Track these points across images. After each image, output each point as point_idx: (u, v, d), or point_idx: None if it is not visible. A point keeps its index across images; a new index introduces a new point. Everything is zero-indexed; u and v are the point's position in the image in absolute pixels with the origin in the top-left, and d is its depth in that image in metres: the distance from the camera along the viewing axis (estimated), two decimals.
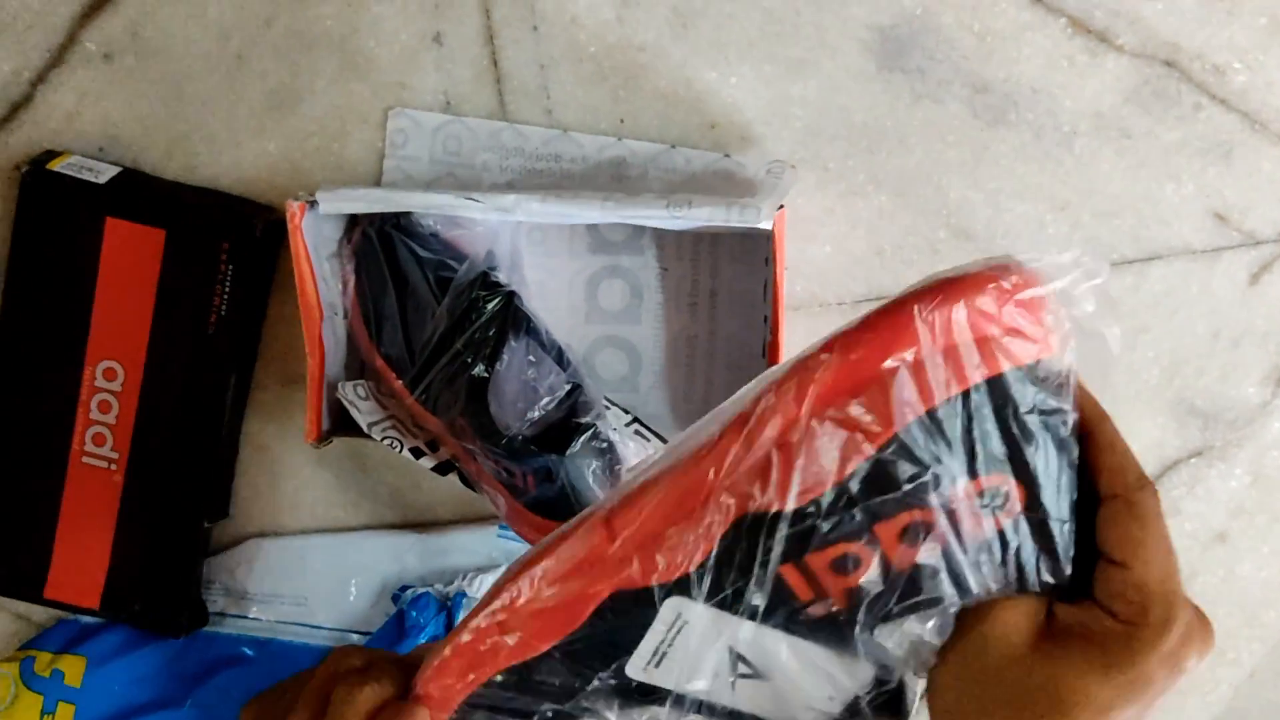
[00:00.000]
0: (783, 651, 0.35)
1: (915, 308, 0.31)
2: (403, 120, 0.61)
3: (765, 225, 0.53)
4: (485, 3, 0.60)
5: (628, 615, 0.35)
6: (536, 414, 0.54)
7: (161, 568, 0.64)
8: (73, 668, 0.66)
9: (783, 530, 0.33)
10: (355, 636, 0.66)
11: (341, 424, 0.60)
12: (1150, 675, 0.31)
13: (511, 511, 0.55)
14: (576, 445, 0.52)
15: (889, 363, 0.31)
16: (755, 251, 0.61)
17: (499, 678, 0.36)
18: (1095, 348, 0.33)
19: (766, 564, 0.33)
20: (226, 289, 0.61)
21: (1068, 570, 0.33)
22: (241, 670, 0.65)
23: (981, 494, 0.32)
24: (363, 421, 0.57)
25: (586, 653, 0.36)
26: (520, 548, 0.64)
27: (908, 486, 0.32)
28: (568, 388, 0.55)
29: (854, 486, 0.32)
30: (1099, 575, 0.33)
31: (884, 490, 0.32)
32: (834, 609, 0.34)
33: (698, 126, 0.61)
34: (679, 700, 0.36)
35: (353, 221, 0.59)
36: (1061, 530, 0.33)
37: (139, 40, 0.61)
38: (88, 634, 0.66)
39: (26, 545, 0.64)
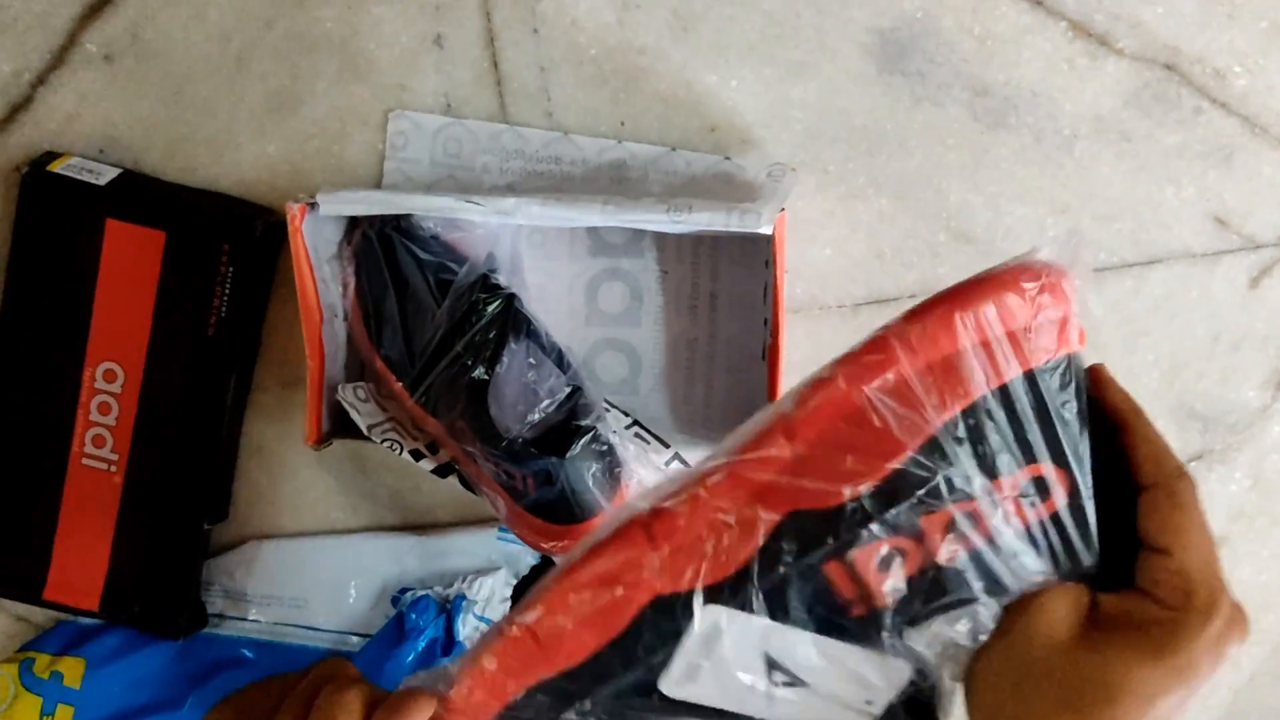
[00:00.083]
0: (819, 656, 0.35)
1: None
2: (403, 122, 0.61)
3: (766, 230, 0.53)
4: (486, 5, 0.60)
5: (664, 624, 0.34)
6: (536, 416, 0.54)
7: (161, 569, 0.63)
8: (72, 669, 0.65)
9: (832, 525, 0.33)
10: (355, 638, 0.66)
11: (341, 426, 0.60)
12: (1197, 661, 0.32)
13: (511, 514, 0.55)
14: (576, 448, 0.52)
15: (958, 343, 0.32)
16: (755, 254, 0.61)
17: (531, 692, 0.36)
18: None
19: (813, 561, 0.33)
20: (226, 291, 0.61)
21: (1096, 557, 0.34)
22: (241, 672, 0.65)
23: (1032, 481, 0.33)
24: (362, 424, 0.57)
25: (624, 663, 0.35)
26: (520, 550, 0.64)
27: (953, 480, 0.33)
28: (568, 390, 0.54)
29: (899, 481, 0.33)
30: (1141, 563, 0.33)
31: (925, 486, 0.33)
32: (876, 606, 0.34)
33: (698, 129, 0.61)
34: (717, 715, 0.36)
35: (353, 223, 0.59)
36: (1094, 515, 0.34)
37: (139, 42, 0.61)
38: (87, 635, 0.66)
39: (26, 547, 0.64)
